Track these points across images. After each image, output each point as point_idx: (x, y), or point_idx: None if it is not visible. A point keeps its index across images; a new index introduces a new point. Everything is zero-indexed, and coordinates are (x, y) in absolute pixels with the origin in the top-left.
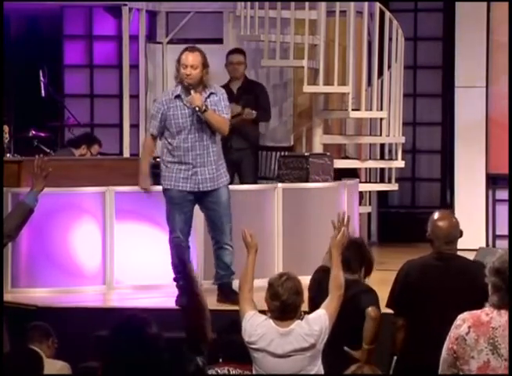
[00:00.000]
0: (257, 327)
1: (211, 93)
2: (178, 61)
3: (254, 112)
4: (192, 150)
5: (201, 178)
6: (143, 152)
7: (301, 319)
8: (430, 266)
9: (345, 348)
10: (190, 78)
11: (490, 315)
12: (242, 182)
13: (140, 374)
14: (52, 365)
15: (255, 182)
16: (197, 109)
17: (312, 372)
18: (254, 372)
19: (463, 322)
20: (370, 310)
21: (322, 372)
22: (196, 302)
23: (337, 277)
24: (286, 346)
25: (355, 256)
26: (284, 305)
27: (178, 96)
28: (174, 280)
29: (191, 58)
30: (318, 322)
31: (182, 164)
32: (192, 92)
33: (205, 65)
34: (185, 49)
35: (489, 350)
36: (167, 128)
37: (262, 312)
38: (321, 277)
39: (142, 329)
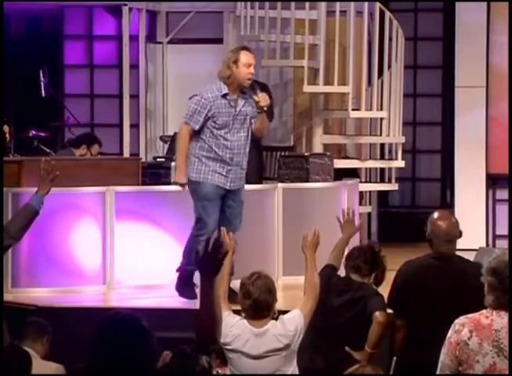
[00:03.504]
0: (231, 327)
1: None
2: (235, 61)
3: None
4: (230, 149)
5: (233, 177)
6: (182, 145)
7: (276, 319)
8: (428, 266)
9: (346, 348)
10: (251, 78)
11: (490, 317)
12: (247, 182)
13: (126, 372)
14: (46, 367)
15: (260, 182)
16: (265, 109)
17: (288, 372)
18: (228, 373)
19: (463, 326)
20: (378, 315)
21: (297, 372)
22: (210, 305)
23: (312, 278)
24: (261, 347)
25: (368, 261)
26: (256, 303)
27: (224, 95)
28: (178, 270)
29: (253, 58)
30: (293, 322)
31: (217, 162)
32: (258, 90)
33: None
34: (243, 48)
35: (495, 353)
36: (208, 125)
37: (237, 312)
38: (328, 274)
39: (129, 326)
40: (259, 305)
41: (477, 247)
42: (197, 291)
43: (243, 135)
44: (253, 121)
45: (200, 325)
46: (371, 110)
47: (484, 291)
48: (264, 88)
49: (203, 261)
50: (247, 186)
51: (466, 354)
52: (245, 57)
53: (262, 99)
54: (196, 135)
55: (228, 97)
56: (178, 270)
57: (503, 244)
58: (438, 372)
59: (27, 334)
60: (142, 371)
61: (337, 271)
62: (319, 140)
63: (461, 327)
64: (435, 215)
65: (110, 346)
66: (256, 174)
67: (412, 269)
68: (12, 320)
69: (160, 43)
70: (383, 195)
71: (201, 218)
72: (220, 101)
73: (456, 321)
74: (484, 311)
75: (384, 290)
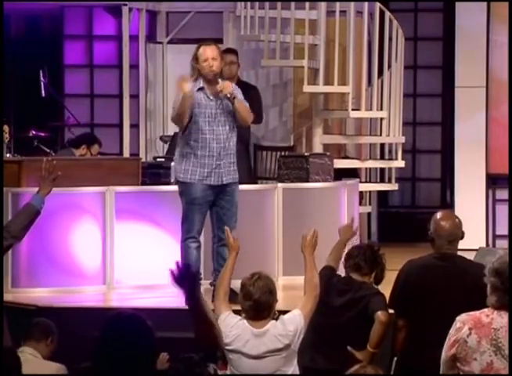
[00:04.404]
0: (232, 327)
1: None
2: (195, 58)
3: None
4: (216, 142)
5: (224, 170)
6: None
7: (276, 319)
8: (431, 266)
9: (348, 347)
10: (214, 69)
11: (491, 316)
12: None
13: (128, 372)
14: (47, 367)
15: (250, 183)
16: (229, 95)
17: (289, 372)
18: (228, 373)
19: (463, 324)
20: (380, 314)
21: (298, 372)
22: (202, 315)
23: (312, 278)
24: (261, 347)
25: (368, 260)
26: (257, 304)
27: (201, 89)
28: None
29: (210, 51)
30: (293, 322)
31: (205, 157)
32: (219, 80)
33: (222, 58)
34: (201, 45)
35: (492, 351)
36: (192, 120)
37: (237, 312)
38: (328, 274)
39: (133, 326)
40: (260, 305)
41: (477, 247)
42: None
43: (227, 128)
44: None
45: (197, 335)
46: (371, 110)
47: (487, 291)
48: (252, 89)
49: (178, 279)
50: (247, 186)
51: (464, 351)
52: (202, 52)
53: (223, 86)
54: (182, 132)
55: (205, 91)
56: None
57: (503, 244)
58: (440, 368)
59: (31, 335)
60: (144, 371)
61: (336, 272)
62: (319, 140)
63: (461, 325)
64: (438, 214)
65: (114, 346)
66: (246, 173)
67: (415, 268)
68: (12, 320)
69: (160, 43)
70: (383, 195)
71: (188, 220)
72: (199, 95)
73: (458, 318)
74: (485, 309)
75: (384, 288)
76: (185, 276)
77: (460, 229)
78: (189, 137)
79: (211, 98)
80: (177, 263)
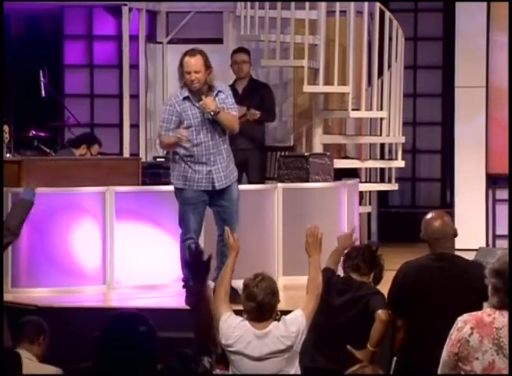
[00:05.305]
0: (234, 329)
1: (219, 91)
2: (181, 65)
3: (257, 112)
4: (205, 149)
5: (216, 176)
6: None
7: (278, 320)
8: (427, 267)
9: (348, 347)
10: (196, 83)
11: (492, 315)
12: (249, 182)
13: (130, 372)
14: (44, 370)
15: (262, 182)
16: (212, 113)
17: (291, 373)
18: (230, 373)
19: (465, 324)
20: (381, 313)
21: (299, 372)
22: (206, 306)
23: (315, 278)
24: (263, 349)
25: (367, 260)
26: (260, 306)
27: (186, 98)
28: (183, 280)
29: (193, 63)
30: (295, 322)
31: (195, 164)
32: (202, 96)
33: (208, 66)
34: (186, 53)
35: (494, 351)
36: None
37: (238, 312)
38: (329, 274)
39: (135, 326)
40: (263, 307)
41: (477, 247)
42: None
43: (216, 134)
44: None
45: (197, 326)
46: (371, 110)
47: (488, 292)
48: (264, 88)
49: (190, 266)
50: (247, 186)
51: (466, 351)
52: (185, 63)
53: (205, 104)
54: None
55: (191, 99)
56: (182, 280)
57: (503, 244)
58: (439, 368)
59: (23, 336)
60: (144, 371)
61: (336, 273)
62: (319, 140)
63: (463, 324)
64: (428, 215)
65: (115, 346)
66: (258, 174)
67: (412, 269)
68: (12, 320)
69: (160, 43)
70: (383, 195)
71: (183, 222)
72: (185, 104)
73: (459, 318)
74: (487, 309)
75: (383, 288)
76: (199, 261)
77: (451, 227)
78: (180, 145)
79: (197, 106)
80: (190, 247)
